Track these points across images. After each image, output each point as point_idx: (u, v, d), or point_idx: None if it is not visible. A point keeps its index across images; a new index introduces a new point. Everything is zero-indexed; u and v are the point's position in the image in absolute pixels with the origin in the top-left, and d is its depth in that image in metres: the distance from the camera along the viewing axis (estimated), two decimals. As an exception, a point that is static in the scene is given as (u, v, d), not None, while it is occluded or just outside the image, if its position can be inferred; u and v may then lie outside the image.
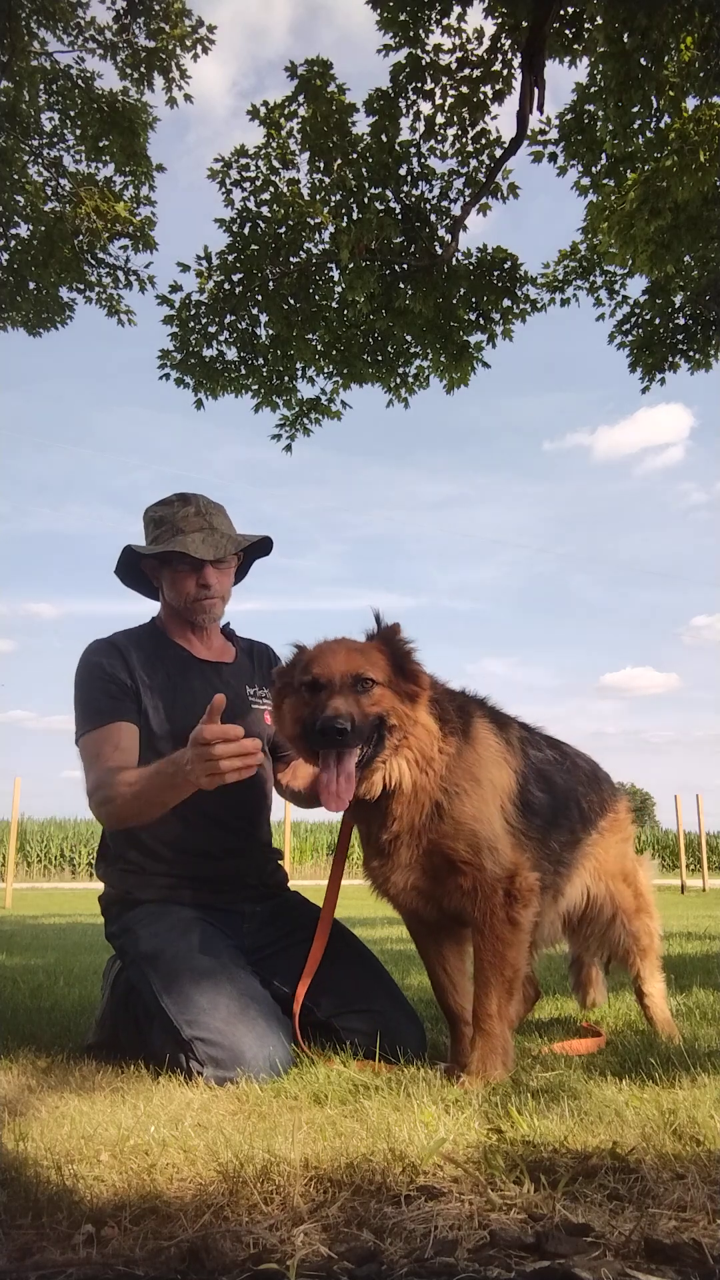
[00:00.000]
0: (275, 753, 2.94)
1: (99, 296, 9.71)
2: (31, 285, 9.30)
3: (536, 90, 7.16)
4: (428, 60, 7.72)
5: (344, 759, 2.16)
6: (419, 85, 7.82)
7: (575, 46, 7.30)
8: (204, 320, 8.67)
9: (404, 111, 7.94)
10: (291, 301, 8.50)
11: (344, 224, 7.99)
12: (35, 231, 9.16)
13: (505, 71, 7.84)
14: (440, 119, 8.01)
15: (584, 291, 9.68)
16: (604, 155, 7.68)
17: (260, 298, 8.50)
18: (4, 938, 7.38)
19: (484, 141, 8.18)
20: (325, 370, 9.16)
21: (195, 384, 8.90)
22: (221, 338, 8.80)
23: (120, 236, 9.45)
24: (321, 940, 2.54)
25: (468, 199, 8.27)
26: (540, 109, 7.31)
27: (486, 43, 7.73)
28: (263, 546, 3.01)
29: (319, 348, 8.87)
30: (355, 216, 7.99)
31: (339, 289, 8.56)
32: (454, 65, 7.79)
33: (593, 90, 7.41)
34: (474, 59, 7.78)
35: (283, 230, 8.35)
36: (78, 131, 9.26)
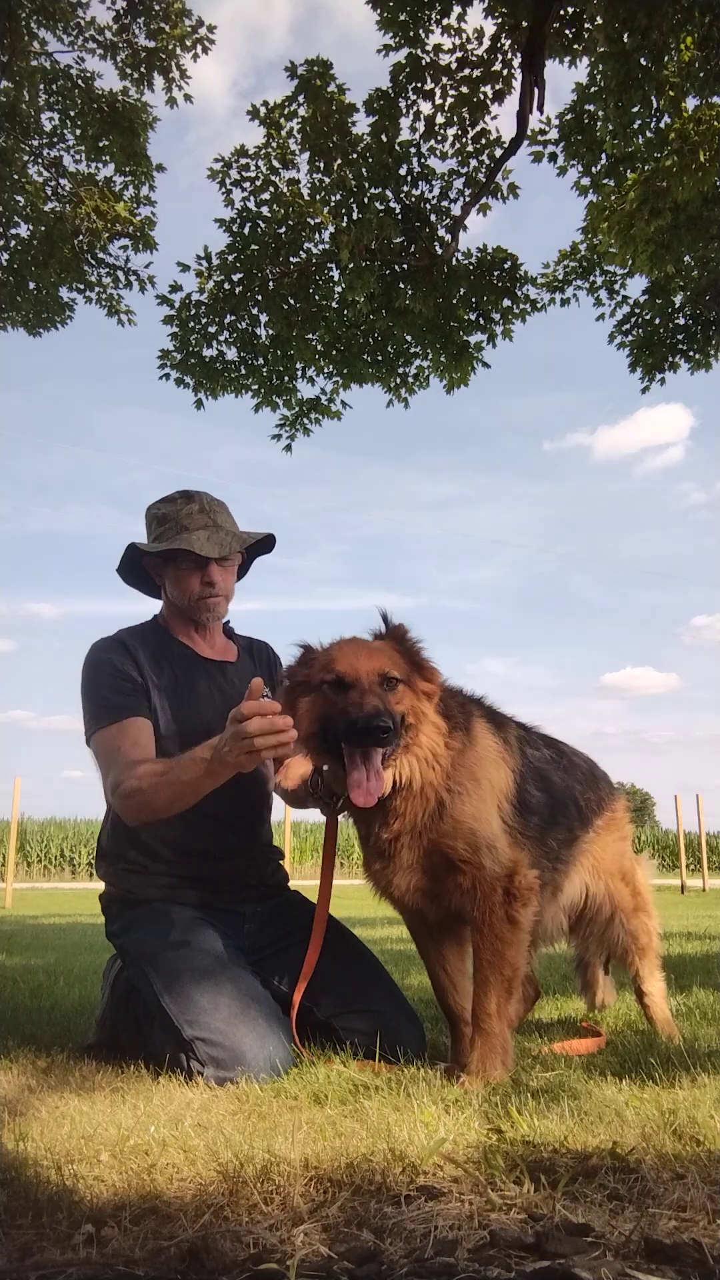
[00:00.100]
0: None
1: (99, 296, 9.71)
2: (31, 285, 9.29)
3: (536, 90, 7.16)
4: (428, 60, 7.72)
5: (372, 756, 2.17)
6: (419, 85, 7.82)
7: (575, 46, 7.30)
8: (204, 320, 8.67)
9: (404, 111, 7.94)
10: (291, 301, 8.50)
11: (344, 224, 7.99)
12: (35, 231, 9.16)
13: (505, 71, 7.84)
14: (440, 119, 8.02)
15: (584, 291, 9.68)
16: (604, 155, 7.68)
17: (260, 298, 8.50)
18: (4, 938, 7.37)
19: (484, 141, 8.18)
20: (325, 370, 9.16)
21: (195, 384, 8.90)
22: (221, 338, 8.80)
23: (120, 236, 9.45)
24: (317, 941, 2.53)
25: (468, 199, 8.27)
26: (540, 109, 7.31)
27: (486, 43, 7.73)
28: (265, 544, 3.00)
29: (319, 348, 8.87)
30: (355, 216, 7.99)
31: (339, 289, 8.56)
32: (454, 65, 7.79)
33: (593, 90, 7.41)
34: (474, 59, 7.78)
35: (283, 230, 8.35)
36: (78, 131, 9.26)
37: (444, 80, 7.83)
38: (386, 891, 2.37)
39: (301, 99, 7.94)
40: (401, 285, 8.26)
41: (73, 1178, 1.48)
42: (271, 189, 8.36)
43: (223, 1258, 1.19)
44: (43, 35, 8.74)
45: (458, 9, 7.44)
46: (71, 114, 9.21)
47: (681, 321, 9.52)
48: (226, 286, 8.51)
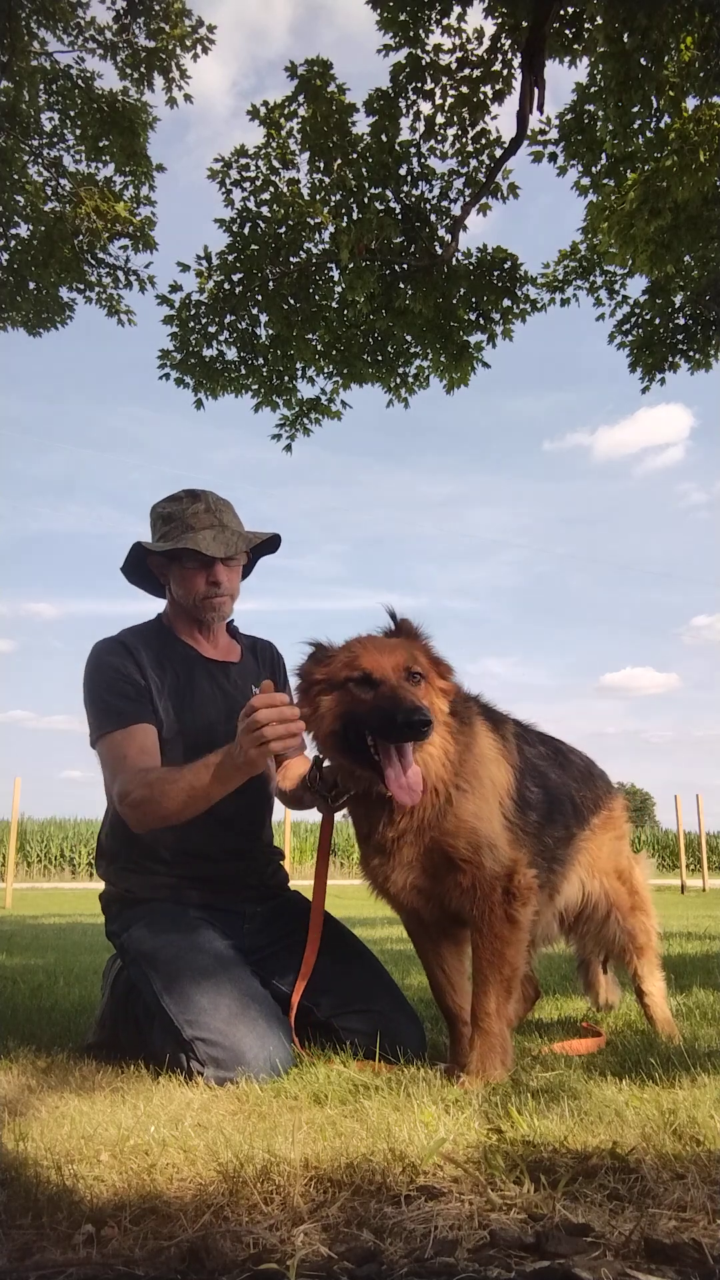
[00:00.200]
0: None
1: (99, 296, 9.71)
2: (31, 285, 9.30)
3: (536, 90, 7.16)
4: (428, 60, 7.73)
5: (405, 752, 2.16)
6: (419, 85, 7.83)
7: (575, 46, 7.30)
8: (204, 320, 8.67)
9: (404, 111, 7.94)
10: (291, 301, 8.50)
11: (344, 224, 7.99)
12: (35, 231, 9.17)
13: (505, 71, 7.85)
14: (440, 119, 8.02)
15: (584, 291, 9.68)
16: (604, 155, 7.69)
17: (260, 298, 8.50)
18: (4, 938, 7.38)
19: (484, 141, 8.18)
20: (325, 370, 9.16)
21: (195, 384, 8.90)
22: (221, 338, 8.80)
23: (120, 236, 9.45)
24: (314, 939, 2.53)
25: (468, 199, 8.27)
26: (540, 109, 7.32)
27: (486, 43, 7.73)
28: (270, 544, 2.98)
29: (319, 348, 8.87)
30: (355, 216, 7.99)
31: (339, 289, 8.56)
32: (454, 65, 7.79)
33: (593, 90, 7.41)
34: (474, 59, 7.78)
35: (283, 230, 8.35)
36: (78, 131, 9.26)
37: (444, 80, 7.83)
38: (383, 888, 2.36)
39: (301, 99, 7.94)
40: (401, 285, 8.26)
41: (73, 1178, 1.48)
42: (271, 189, 8.36)
43: (223, 1258, 1.18)
44: (43, 35, 8.74)
45: (458, 9, 7.45)
46: (71, 114, 9.21)
47: (681, 321, 9.52)
48: (226, 286, 8.51)
